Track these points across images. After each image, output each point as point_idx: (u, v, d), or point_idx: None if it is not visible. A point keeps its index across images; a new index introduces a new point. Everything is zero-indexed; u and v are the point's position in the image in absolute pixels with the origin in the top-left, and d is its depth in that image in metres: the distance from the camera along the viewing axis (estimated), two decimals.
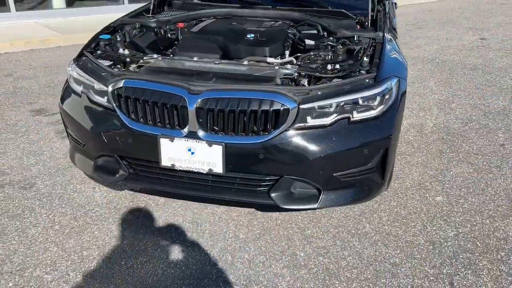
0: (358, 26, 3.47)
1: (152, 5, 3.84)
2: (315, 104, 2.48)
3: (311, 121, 2.50)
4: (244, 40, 3.11)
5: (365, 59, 2.82)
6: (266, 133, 2.48)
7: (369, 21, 3.43)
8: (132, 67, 2.93)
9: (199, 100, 2.46)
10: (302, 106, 2.46)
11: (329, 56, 2.97)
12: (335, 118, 2.51)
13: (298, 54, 3.10)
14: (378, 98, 2.57)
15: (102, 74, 2.77)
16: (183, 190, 2.76)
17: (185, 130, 2.53)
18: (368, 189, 2.73)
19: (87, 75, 2.83)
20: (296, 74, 2.71)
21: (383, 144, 2.60)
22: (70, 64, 3.02)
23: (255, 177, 2.62)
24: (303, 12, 3.62)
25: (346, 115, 2.52)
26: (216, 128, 2.51)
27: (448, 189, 3.44)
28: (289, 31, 3.34)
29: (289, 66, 2.77)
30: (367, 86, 2.57)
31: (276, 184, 2.61)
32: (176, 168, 2.62)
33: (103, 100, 2.75)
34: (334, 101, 2.49)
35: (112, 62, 2.95)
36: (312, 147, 2.48)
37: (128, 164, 2.82)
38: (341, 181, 2.60)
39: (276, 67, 2.74)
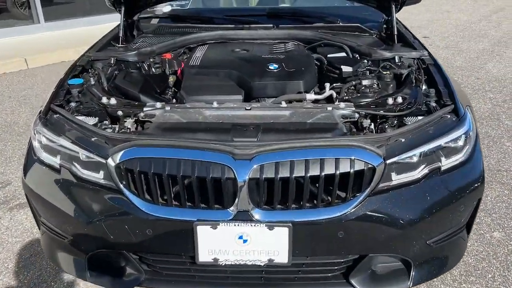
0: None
1: (121, 31, 3.01)
2: (402, 156, 1.89)
3: (396, 178, 1.90)
4: (267, 73, 2.43)
5: (423, 86, 2.29)
6: (345, 202, 1.83)
7: (395, 35, 2.91)
8: (129, 123, 2.13)
9: (252, 168, 1.75)
10: (388, 161, 1.85)
11: (376, 85, 2.40)
12: (425, 170, 1.93)
13: (335, 84, 2.49)
14: (463, 137, 2.03)
15: (90, 138, 1.95)
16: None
17: (233, 210, 1.81)
18: (458, 250, 2.18)
19: (67, 141, 1.99)
20: (356, 114, 2.09)
21: (477, 193, 2.07)
22: (35, 125, 2.15)
23: (327, 260, 1.97)
24: (313, 30, 3.02)
25: (436, 164, 1.95)
26: (278, 205, 1.82)
27: (497, 219, 3.02)
28: (313, 55, 2.72)
29: (342, 104, 2.15)
30: (451, 125, 2.02)
31: (357, 266, 1.97)
32: (221, 263, 1.89)
33: (97, 177, 1.94)
34: (422, 149, 1.92)
35: (97, 118, 2.13)
36: (404, 212, 1.88)
37: (142, 260, 2.03)
38: (433, 248, 2.03)
39: (329, 108, 2.10)
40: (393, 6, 2.90)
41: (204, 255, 1.87)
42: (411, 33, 3.02)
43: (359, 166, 1.79)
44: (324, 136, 1.91)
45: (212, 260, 1.88)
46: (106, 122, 2.16)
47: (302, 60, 2.58)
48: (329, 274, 2.01)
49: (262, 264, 1.88)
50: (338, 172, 1.77)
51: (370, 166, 1.79)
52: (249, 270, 1.96)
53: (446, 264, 2.12)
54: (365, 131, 2.05)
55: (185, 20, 3.30)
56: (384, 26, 3.16)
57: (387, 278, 2.02)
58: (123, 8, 3.00)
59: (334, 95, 2.42)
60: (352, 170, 1.77)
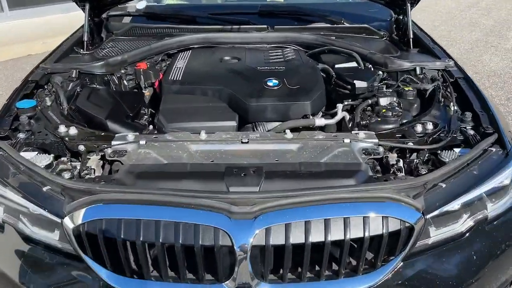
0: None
1: (85, 34, 2.50)
2: (444, 208, 1.49)
3: (435, 234, 1.50)
4: (266, 91, 1.99)
5: (454, 106, 1.89)
6: (375, 270, 1.43)
7: (411, 39, 2.48)
8: (94, 162, 1.67)
9: (255, 232, 1.33)
10: (428, 216, 1.45)
11: (397, 105, 1.98)
12: (469, 222, 1.54)
13: (346, 102, 2.07)
14: (510, 177, 1.65)
15: (42, 187, 1.49)
16: None
17: (230, 285, 1.38)
18: None
19: (11, 191, 1.53)
20: (381, 148, 1.68)
21: None
22: None
23: None
24: (314, 31, 2.58)
25: (481, 212, 1.56)
26: (289, 276, 1.41)
27: None
28: (318, 65, 2.28)
29: (361, 133, 1.73)
30: (498, 161, 1.63)
31: None
32: None
33: (51, 237, 1.49)
34: (467, 196, 1.52)
35: (52, 155, 1.66)
36: (446, 278, 1.49)
37: None
38: None
39: (346, 140, 1.68)
40: (408, 2, 2.47)
41: None
42: (428, 35, 2.60)
43: (393, 225, 1.38)
44: (345, 182, 1.49)
45: None
46: (64, 159, 1.70)
47: (307, 74, 2.14)
48: None
49: None
50: (367, 235, 1.35)
51: (407, 224, 1.39)
52: None
53: None
54: (392, 170, 1.64)
55: (163, 19, 2.81)
56: (395, 26, 2.73)
57: None
58: (87, 5, 2.50)
59: (347, 117, 2.00)
60: (385, 232, 1.37)
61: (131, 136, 1.71)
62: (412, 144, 1.70)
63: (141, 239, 1.34)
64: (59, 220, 1.43)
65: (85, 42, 2.48)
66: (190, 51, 2.47)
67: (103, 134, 1.76)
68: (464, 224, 1.53)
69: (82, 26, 2.54)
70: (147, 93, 2.34)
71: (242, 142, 1.67)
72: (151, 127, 1.95)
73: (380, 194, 1.40)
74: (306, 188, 1.42)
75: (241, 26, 2.62)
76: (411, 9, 2.49)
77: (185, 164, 1.56)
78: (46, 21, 8.16)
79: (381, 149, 1.66)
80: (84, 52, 2.43)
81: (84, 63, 2.22)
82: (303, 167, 1.54)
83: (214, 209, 1.34)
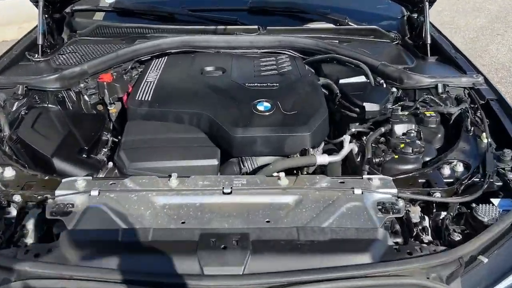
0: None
1: (39, 36, 2.08)
2: None
3: None
4: (256, 118, 1.60)
5: (485, 138, 1.52)
6: None
7: (428, 44, 2.09)
8: (31, 220, 1.29)
9: None
10: None
11: (417, 135, 1.61)
12: None
13: (353, 128, 1.70)
14: None
15: None
16: None
17: None
18: None
19: None
20: (401, 202, 1.31)
21: None
22: None
23: None
24: (314, 33, 2.18)
25: None
26: None
27: None
28: (319, 81, 1.88)
29: (375, 179, 1.36)
30: None
31: None
32: None
33: None
34: None
35: None
36: None
37: None
38: None
39: (357, 191, 1.31)
40: (426, 1, 2.08)
41: None
42: (448, 39, 2.20)
43: None
44: (358, 258, 1.13)
45: None
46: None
47: (307, 93, 1.74)
48: None
49: None
50: None
51: None
52: None
53: None
54: (415, 232, 1.28)
55: (136, 15, 2.39)
56: (407, 25, 2.34)
57: None
58: (41, 1, 2.07)
59: (356, 150, 1.63)
60: None
61: (81, 182, 1.33)
62: (439, 195, 1.33)
63: None
64: None
65: (39, 46, 2.06)
66: (166, 58, 2.07)
67: (46, 178, 1.38)
68: None
69: (37, 27, 2.12)
70: (113, 110, 1.94)
71: (224, 193, 1.30)
72: (110, 164, 1.56)
73: (405, 281, 1.05)
74: (306, 270, 1.07)
75: (228, 27, 2.21)
76: (429, 9, 2.09)
77: (146, 230, 1.18)
78: (22, 3, 7.57)
79: (401, 203, 1.29)
80: (38, 59, 2.02)
81: (34, 77, 1.81)
82: (302, 235, 1.17)
83: None
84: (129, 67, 2.04)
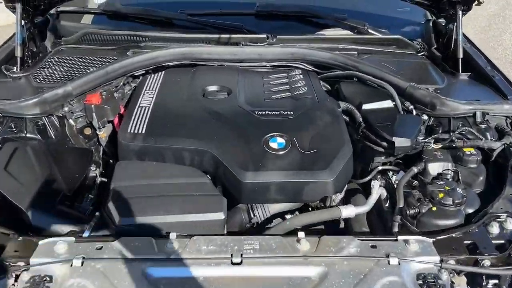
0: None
1: (18, 48, 1.81)
2: None
3: None
4: (268, 159, 1.36)
5: None
6: None
7: (460, 59, 1.84)
8: None
9: None
10: None
11: (456, 179, 1.38)
12: None
13: (380, 168, 1.47)
14: None
15: None
16: None
17: None
18: None
19: None
20: (444, 274, 1.09)
21: None
22: None
23: None
24: (330, 43, 1.93)
25: None
26: None
27: None
28: (339, 107, 1.63)
29: (412, 242, 1.14)
30: None
31: None
32: None
33: None
34: None
35: None
36: None
37: None
38: None
39: (393, 260, 1.09)
40: (460, 9, 1.82)
41: None
42: (480, 51, 1.95)
43: None
44: None
45: None
46: None
47: (327, 125, 1.50)
48: None
49: None
50: None
51: None
52: None
53: None
54: None
55: (129, 19, 2.11)
56: (433, 33, 2.08)
57: None
58: (19, 5, 1.80)
59: (384, 195, 1.40)
60: None
61: (62, 246, 1.11)
62: (489, 262, 1.12)
63: None
64: None
65: (18, 59, 1.80)
66: (162, 74, 1.81)
67: (20, 239, 1.15)
68: None
69: (15, 35, 1.85)
70: (103, 134, 1.70)
71: (233, 263, 1.08)
72: (97, 214, 1.33)
73: None
74: None
75: (232, 35, 1.94)
76: (462, 17, 1.84)
77: None
78: None
79: (445, 276, 1.08)
80: (16, 75, 1.76)
81: (9, 101, 1.56)
82: None
83: None
84: (121, 83, 1.79)
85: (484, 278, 1.13)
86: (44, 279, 1.06)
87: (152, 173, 1.37)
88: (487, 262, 1.13)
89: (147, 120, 1.51)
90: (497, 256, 1.14)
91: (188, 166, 1.40)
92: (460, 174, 1.40)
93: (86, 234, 1.23)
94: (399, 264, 1.09)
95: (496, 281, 1.13)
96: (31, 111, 1.55)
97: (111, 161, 1.70)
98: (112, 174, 1.37)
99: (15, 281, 1.10)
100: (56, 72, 1.81)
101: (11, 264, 1.11)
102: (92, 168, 1.55)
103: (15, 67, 1.82)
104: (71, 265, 1.08)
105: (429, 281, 1.07)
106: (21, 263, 1.10)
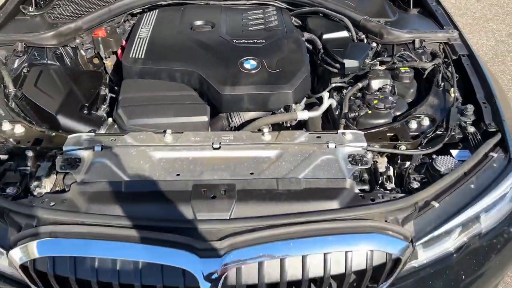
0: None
1: None
2: (436, 233, 1.34)
3: (424, 256, 1.38)
4: (242, 76, 1.72)
5: (455, 93, 1.67)
6: None
7: None
8: (44, 172, 1.47)
9: (224, 272, 1.19)
10: (417, 243, 1.31)
11: (391, 91, 1.75)
12: (461, 239, 1.42)
13: (334, 84, 1.83)
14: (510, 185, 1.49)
15: None
16: None
17: None
18: None
19: None
20: (369, 154, 1.48)
21: None
22: None
23: None
24: None
25: (475, 227, 1.43)
26: None
27: None
28: (303, 37, 1.97)
29: (348, 134, 1.52)
30: (499, 171, 1.45)
31: None
32: None
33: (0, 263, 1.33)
34: (463, 216, 1.37)
35: None
36: None
37: None
38: None
39: (331, 145, 1.48)
40: None
41: None
42: None
43: (378, 257, 1.25)
44: (328, 204, 1.32)
45: None
46: (11, 163, 1.49)
47: (291, 51, 1.85)
48: None
49: None
50: (349, 271, 1.22)
51: (394, 257, 1.26)
52: None
53: None
54: (381, 180, 1.47)
55: None
56: None
57: None
58: None
59: (334, 104, 1.77)
60: (369, 266, 1.24)
61: (85, 138, 1.49)
62: (404, 148, 1.51)
63: (96, 279, 1.20)
64: (3, 252, 1.27)
65: (32, 0, 2.12)
66: (156, 12, 2.13)
67: (53, 134, 1.53)
68: (455, 241, 1.41)
69: None
70: (109, 63, 2.05)
71: (214, 148, 1.47)
72: (110, 120, 1.71)
73: (366, 224, 1.25)
74: (283, 215, 1.26)
75: None
76: None
77: (146, 182, 1.36)
78: None
79: (369, 156, 1.47)
80: (33, 13, 2.08)
81: (32, 34, 1.89)
82: (280, 185, 1.36)
83: (179, 245, 1.19)
84: (122, 20, 2.12)
85: (399, 158, 1.52)
86: (75, 159, 1.45)
87: (151, 87, 1.73)
88: (402, 147, 1.51)
89: (145, 47, 1.85)
90: (411, 142, 1.53)
91: (179, 83, 1.76)
92: (396, 88, 1.76)
93: (102, 131, 1.62)
94: (335, 147, 1.48)
95: (409, 162, 1.52)
96: (50, 42, 1.90)
97: (115, 88, 2.05)
98: (119, 90, 1.74)
99: (52, 164, 1.50)
100: (67, 10, 2.13)
101: (48, 151, 1.49)
102: (102, 87, 1.91)
103: (30, 7, 2.13)
104: (93, 150, 1.47)
105: (356, 159, 1.46)
106: (56, 151, 1.49)
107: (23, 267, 1.24)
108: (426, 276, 1.37)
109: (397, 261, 1.27)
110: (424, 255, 1.37)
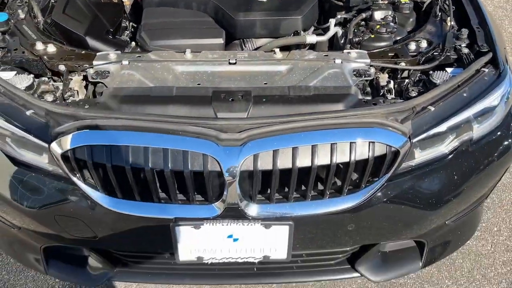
0: None
1: None
2: (431, 132, 1.50)
3: (420, 156, 1.54)
4: (255, 4, 1.86)
5: (451, 21, 1.81)
6: (358, 190, 1.48)
7: None
8: (77, 83, 1.62)
9: (244, 158, 1.34)
10: (415, 140, 1.47)
11: (392, 20, 1.89)
12: (454, 143, 1.57)
13: (339, 15, 1.97)
14: (499, 98, 1.64)
15: (24, 112, 1.46)
16: (212, 281, 1.75)
17: (220, 206, 1.43)
18: (475, 221, 1.93)
19: None
20: (372, 69, 1.64)
21: (509, 161, 1.74)
22: None
23: (330, 250, 1.68)
24: None
25: (467, 134, 1.58)
26: (276, 196, 1.45)
27: None
28: None
29: (353, 52, 1.67)
30: (490, 82, 1.61)
31: (364, 254, 1.70)
32: (206, 262, 1.57)
33: (40, 160, 1.49)
34: (455, 119, 1.52)
35: (32, 75, 1.61)
36: (427, 197, 1.56)
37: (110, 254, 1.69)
38: (451, 226, 1.76)
39: (338, 60, 1.63)
40: None
41: (186, 255, 1.54)
42: None
43: (379, 149, 1.40)
44: (334, 106, 1.48)
45: (196, 259, 1.56)
46: (45, 79, 1.64)
47: None
48: (331, 263, 1.74)
49: (256, 261, 1.58)
50: (353, 160, 1.38)
51: (393, 149, 1.41)
52: (240, 262, 1.66)
53: (462, 239, 1.88)
54: (382, 92, 1.62)
55: None
56: None
57: (397, 260, 1.78)
58: None
59: (340, 32, 1.92)
60: (371, 156, 1.39)
61: (113, 55, 1.64)
62: (404, 64, 1.66)
63: (130, 165, 1.35)
64: (46, 145, 1.42)
65: None
66: None
67: (83, 52, 1.68)
68: (449, 145, 1.56)
69: None
70: (127, 2, 2.19)
71: (230, 63, 1.61)
72: (133, 43, 1.86)
73: (368, 120, 1.40)
74: (294, 114, 1.41)
75: None
76: None
77: (171, 87, 1.52)
78: None
79: (372, 70, 1.62)
80: None
81: None
82: (292, 91, 1.51)
83: (203, 136, 1.34)
84: None
85: (399, 73, 1.67)
86: (104, 72, 1.60)
87: (170, 14, 1.87)
88: (402, 63, 1.66)
89: None
90: (409, 59, 1.67)
91: (196, 11, 1.90)
92: (396, 18, 1.90)
93: (127, 50, 1.76)
94: (341, 63, 1.63)
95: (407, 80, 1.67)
96: None
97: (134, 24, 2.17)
98: (141, 17, 1.88)
99: (83, 78, 1.65)
100: None
101: (80, 65, 1.64)
102: (123, 20, 2.05)
103: None
104: (121, 64, 1.61)
105: (361, 72, 1.61)
106: (87, 65, 1.63)
107: (64, 157, 1.39)
108: (421, 174, 1.53)
109: (396, 154, 1.43)
110: (420, 156, 1.53)
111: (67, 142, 1.37)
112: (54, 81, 1.66)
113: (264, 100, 1.47)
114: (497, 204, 2.44)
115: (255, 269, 1.73)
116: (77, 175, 1.43)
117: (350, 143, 1.37)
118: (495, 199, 2.47)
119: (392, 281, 2.03)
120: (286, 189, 1.46)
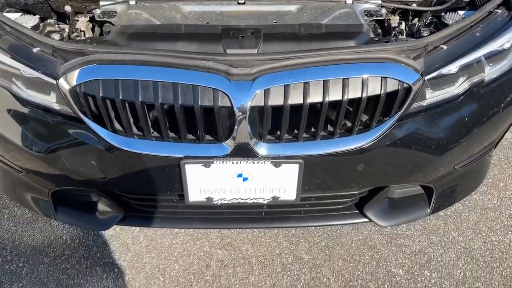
0: None
1: None
2: (443, 70, 1.48)
3: (431, 96, 1.52)
4: None
5: None
6: (369, 130, 1.47)
7: None
8: (83, 23, 1.59)
9: (255, 93, 1.33)
10: (427, 77, 1.45)
11: None
12: (465, 85, 1.55)
13: None
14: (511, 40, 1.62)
15: (31, 48, 1.43)
16: (220, 225, 1.75)
17: (230, 144, 1.43)
18: (484, 168, 1.93)
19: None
20: (383, 9, 1.61)
21: None
22: None
23: (339, 193, 1.68)
24: None
25: (478, 75, 1.56)
26: (286, 136, 1.44)
27: None
28: None
29: None
30: (502, 23, 1.58)
31: (373, 198, 1.70)
32: (215, 203, 1.57)
33: (48, 100, 1.47)
34: (467, 58, 1.50)
35: (37, 16, 1.58)
36: (438, 138, 1.55)
37: (120, 197, 1.69)
38: (460, 172, 1.75)
39: (348, 1, 1.60)
40: None
41: (195, 195, 1.54)
42: None
43: (391, 85, 1.39)
44: (346, 43, 1.46)
45: (205, 200, 1.56)
46: (51, 21, 1.61)
47: None
48: (340, 206, 1.74)
49: (265, 202, 1.58)
50: (365, 96, 1.36)
51: (405, 85, 1.39)
52: (250, 205, 1.66)
53: (470, 186, 1.88)
54: (394, 33, 1.60)
55: None
56: None
57: (405, 206, 1.78)
58: None
59: None
60: (383, 92, 1.38)
61: None
62: (415, 5, 1.63)
63: (140, 99, 1.33)
64: (54, 82, 1.40)
65: None
66: None
67: None
68: (460, 86, 1.54)
69: None
70: None
71: (239, 3, 1.59)
72: None
73: (380, 55, 1.38)
74: (305, 50, 1.39)
75: None
76: None
77: (179, 25, 1.49)
78: None
79: (383, 10, 1.60)
80: None
81: None
82: (302, 29, 1.49)
83: (213, 70, 1.32)
84: None
85: (410, 14, 1.65)
86: (111, 12, 1.57)
87: None
88: (414, 4, 1.64)
89: None
90: (421, 1, 1.65)
91: None
92: None
93: None
94: (352, 3, 1.60)
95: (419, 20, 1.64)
96: None
97: None
98: None
99: (90, 19, 1.63)
100: None
101: (86, 6, 1.62)
102: None
103: None
104: (128, 3, 1.59)
105: (372, 12, 1.58)
106: (93, 5, 1.61)
107: (73, 93, 1.38)
108: (432, 115, 1.52)
109: (408, 91, 1.41)
110: (431, 96, 1.51)
111: (75, 76, 1.35)
112: (60, 23, 1.63)
113: (274, 37, 1.44)
114: (504, 161, 2.44)
115: (263, 213, 1.73)
116: (86, 112, 1.42)
117: (362, 79, 1.35)
118: (501, 156, 2.47)
119: (398, 233, 2.04)
120: (296, 131, 1.45)
